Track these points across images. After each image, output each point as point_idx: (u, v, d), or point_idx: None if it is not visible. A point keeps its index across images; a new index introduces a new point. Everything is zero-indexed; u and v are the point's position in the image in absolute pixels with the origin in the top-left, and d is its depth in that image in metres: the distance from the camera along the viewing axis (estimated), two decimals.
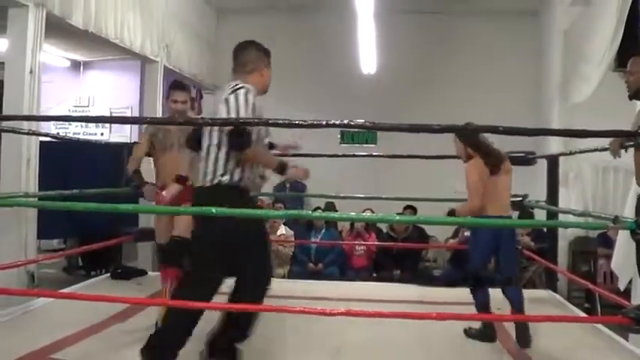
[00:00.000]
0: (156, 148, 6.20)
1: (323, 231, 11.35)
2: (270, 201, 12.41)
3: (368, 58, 12.54)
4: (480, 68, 13.47)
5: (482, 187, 5.97)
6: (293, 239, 10.88)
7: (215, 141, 4.70)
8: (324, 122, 4.56)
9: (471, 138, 5.68)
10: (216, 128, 4.73)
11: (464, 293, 8.24)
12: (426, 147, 7.96)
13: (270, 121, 4.49)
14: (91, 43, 11.24)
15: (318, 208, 11.84)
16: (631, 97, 5.13)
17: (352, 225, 11.42)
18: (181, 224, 5.92)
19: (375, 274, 10.94)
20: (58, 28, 8.57)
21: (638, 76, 4.98)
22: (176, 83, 6.73)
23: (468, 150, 6.30)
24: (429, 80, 13.57)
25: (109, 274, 8.75)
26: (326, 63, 13.79)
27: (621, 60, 9.56)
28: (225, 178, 4.67)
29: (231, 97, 4.77)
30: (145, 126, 6.97)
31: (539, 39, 12.90)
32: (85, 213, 8.22)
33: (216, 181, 4.65)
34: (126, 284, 8.16)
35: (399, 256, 10.89)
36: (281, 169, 4.90)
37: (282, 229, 10.81)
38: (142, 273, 8.73)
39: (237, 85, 4.84)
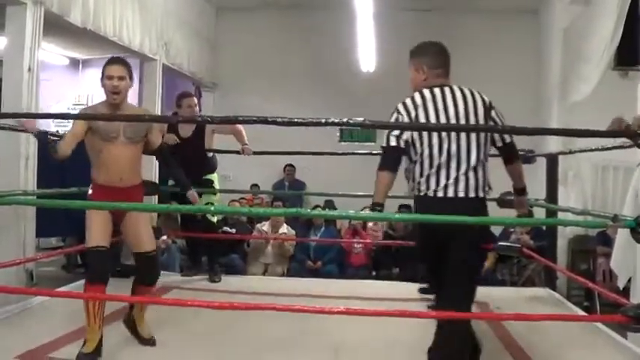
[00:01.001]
0: (94, 136, 5.60)
1: (322, 229, 11.36)
2: (269, 199, 12.42)
3: (367, 56, 12.54)
4: (480, 66, 13.46)
5: None
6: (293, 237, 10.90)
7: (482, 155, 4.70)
8: (323, 120, 4.55)
9: None
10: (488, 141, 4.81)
11: None
12: None
13: (269, 120, 4.47)
14: (90, 41, 11.23)
15: (318, 206, 11.85)
16: None
17: (351, 223, 11.43)
18: (146, 234, 5.65)
19: (374, 272, 10.94)
20: (56, 26, 8.57)
21: None
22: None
23: None
24: None
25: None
26: (325, 61, 13.80)
27: (620, 59, 9.58)
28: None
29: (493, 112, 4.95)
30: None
31: (539, 37, 12.91)
32: (83, 211, 8.20)
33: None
34: (124, 282, 8.09)
35: (398, 254, 10.89)
36: None
37: (284, 228, 10.82)
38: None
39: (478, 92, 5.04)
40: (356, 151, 10.33)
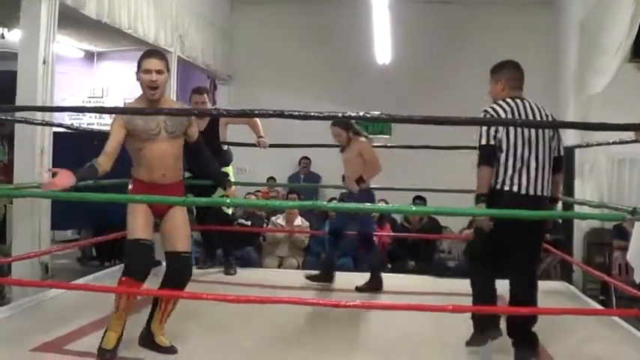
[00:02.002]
0: (134, 137, 5.47)
1: None
2: (284, 192, 12.41)
3: (383, 49, 12.50)
4: (495, 59, 13.28)
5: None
6: (308, 230, 10.88)
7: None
8: (339, 114, 4.54)
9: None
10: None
11: None
12: (441, 138, 7.93)
13: (285, 113, 4.46)
14: (105, 34, 11.28)
15: (333, 198, 11.83)
16: None
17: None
18: (184, 234, 5.45)
19: (389, 265, 10.91)
20: (71, 19, 8.56)
21: None
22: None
23: (348, 135, 7.56)
24: (444, 70, 13.52)
25: (122, 265, 8.74)
26: (341, 53, 13.76)
27: (637, 51, 9.53)
28: None
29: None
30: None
31: (555, 30, 12.83)
32: (98, 203, 8.21)
33: None
34: None
35: (413, 247, 10.87)
36: None
37: (299, 220, 10.80)
38: (156, 264, 8.71)
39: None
40: (372, 144, 10.33)
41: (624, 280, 8.19)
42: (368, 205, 5.46)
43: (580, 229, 10.04)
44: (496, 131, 5.28)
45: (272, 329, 5.76)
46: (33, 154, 7.17)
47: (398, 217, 11.64)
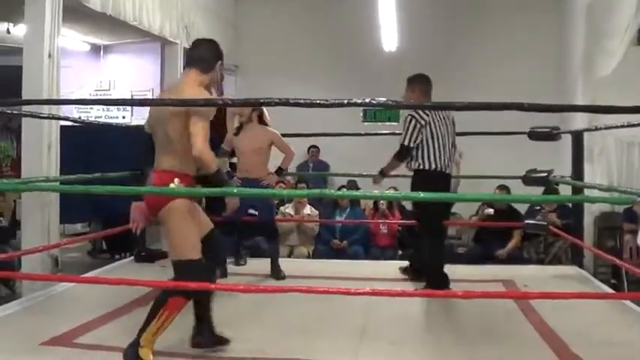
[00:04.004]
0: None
1: (348, 210, 11.31)
2: (293, 181, 12.39)
3: (389, 36, 12.46)
4: (504, 43, 13.37)
5: None
6: (317, 219, 10.87)
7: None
8: (345, 101, 4.52)
9: None
10: None
11: (488, 270, 8.25)
12: None
13: (291, 101, 4.45)
14: (110, 27, 11.25)
15: (343, 187, 11.82)
16: None
17: (375, 203, 11.38)
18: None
19: (400, 252, 10.89)
20: (76, 12, 8.56)
21: None
22: None
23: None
24: (451, 56, 13.48)
25: (132, 257, 8.76)
26: (347, 41, 13.73)
27: None
28: None
29: None
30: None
31: (563, 13, 12.79)
32: (108, 196, 8.22)
33: None
34: (150, 267, 8.16)
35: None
36: None
37: (308, 209, 10.79)
38: (166, 255, 8.70)
39: None
40: (379, 132, 10.30)
41: (635, 264, 8.16)
42: (376, 192, 5.42)
43: (590, 213, 10.00)
44: (418, 135, 6.90)
45: (283, 318, 5.75)
46: (40, 148, 7.17)
47: (407, 204, 11.62)
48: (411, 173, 7.08)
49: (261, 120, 7.82)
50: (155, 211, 4.75)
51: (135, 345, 4.62)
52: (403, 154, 7.08)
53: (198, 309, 5.01)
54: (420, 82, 7.21)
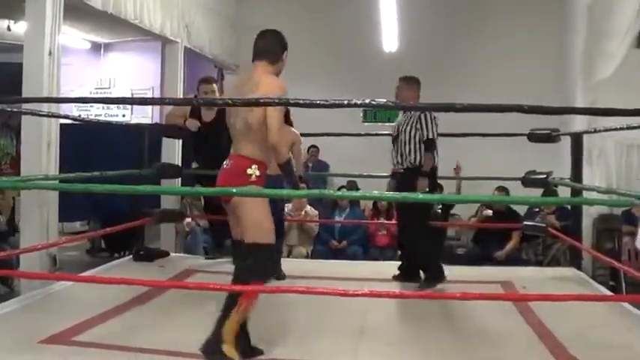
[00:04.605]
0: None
1: (347, 210, 11.32)
2: None
3: (389, 37, 12.48)
4: (503, 44, 13.38)
5: None
6: (317, 219, 10.87)
7: None
8: (345, 102, 4.53)
9: None
10: None
11: (487, 271, 8.26)
12: (448, 125, 7.90)
13: (291, 101, 4.46)
14: (111, 25, 11.24)
15: (343, 187, 11.82)
16: None
17: (375, 204, 11.40)
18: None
19: (399, 253, 10.90)
20: (77, 10, 8.56)
21: None
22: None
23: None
24: (451, 57, 13.49)
25: (131, 256, 8.75)
26: (348, 41, 13.73)
27: None
28: None
29: None
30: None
31: (563, 14, 12.77)
32: (107, 195, 8.23)
33: None
34: (148, 266, 8.15)
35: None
36: None
37: (307, 209, 10.80)
38: (165, 254, 8.72)
39: None
40: (379, 132, 10.31)
41: (634, 266, 8.18)
42: (375, 193, 5.43)
43: (589, 215, 10.00)
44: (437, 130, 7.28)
45: (281, 319, 5.75)
46: (40, 146, 7.16)
47: None
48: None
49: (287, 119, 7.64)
50: (229, 195, 4.85)
51: (215, 341, 4.67)
52: (434, 147, 7.30)
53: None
54: (418, 84, 7.42)
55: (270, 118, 4.79)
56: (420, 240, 7.41)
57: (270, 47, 5.25)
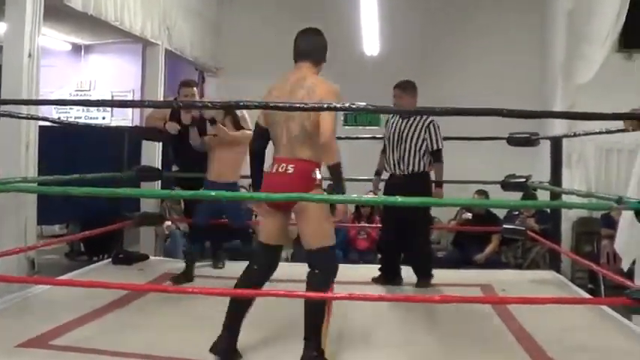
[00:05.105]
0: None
1: None
2: None
3: (371, 40, 12.49)
4: (484, 48, 13.41)
5: None
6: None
7: None
8: (325, 105, 4.54)
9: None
10: None
11: (467, 275, 8.28)
12: None
13: (270, 104, 4.46)
14: (92, 27, 11.22)
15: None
16: None
17: (357, 208, 11.40)
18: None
19: (379, 256, 10.90)
20: (57, 11, 8.51)
21: None
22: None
23: None
24: (432, 61, 13.50)
25: (110, 260, 8.72)
26: (330, 45, 13.66)
27: (625, 41, 9.55)
28: None
29: None
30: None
31: (544, 19, 12.82)
32: (86, 198, 8.19)
33: None
34: (127, 269, 8.13)
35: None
36: None
37: None
38: (144, 258, 8.70)
39: None
40: (360, 135, 10.31)
41: (613, 269, 8.22)
42: (354, 196, 5.42)
43: (568, 218, 10.07)
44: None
45: (261, 322, 5.73)
46: (18, 149, 7.12)
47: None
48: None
49: (237, 125, 7.72)
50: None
51: (316, 351, 4.70)
52: (442, 157, 7.55)
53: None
54: (415, 88, 7.54)
55: (323, 120, 4.81)
56: (422, 243, 7.76)
57: (315, 48, 5.40)
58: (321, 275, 4.85)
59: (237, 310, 4.94)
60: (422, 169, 7.46)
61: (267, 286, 5.08)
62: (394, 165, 7.53)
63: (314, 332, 4.69)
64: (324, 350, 4.70)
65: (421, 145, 7.36)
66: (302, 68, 5.18)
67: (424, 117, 7.33)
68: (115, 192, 5.11)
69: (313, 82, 5.02)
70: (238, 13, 14.20)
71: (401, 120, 7.44)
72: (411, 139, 7.36)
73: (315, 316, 4.71)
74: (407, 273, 7.69)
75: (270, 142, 5.15)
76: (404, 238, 7.65)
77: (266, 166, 5.11)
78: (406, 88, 7.49)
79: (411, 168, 7.41)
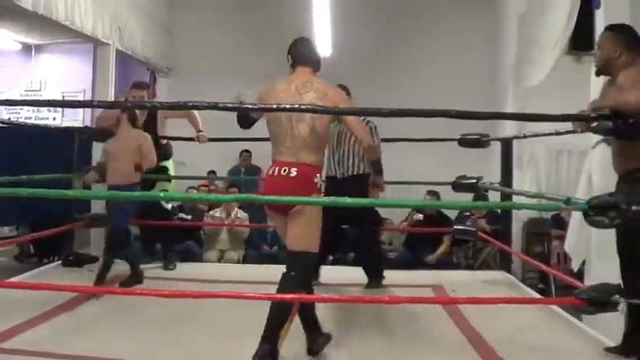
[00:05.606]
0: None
1: None
2: (224, 185, 12.35)
3: (323, 41, 12.49)
4: (437, 51, 13.47)
5: None
6: (247, 222, 10.83)
7: None
8: (274, 106, 4.55)
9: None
10: None
11: (418, 275, 8.31)
12: (386, 130, 7.93)
13: (220, 105, 4.44)
14: (42, 26, 11.12)
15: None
16: (597, 73, 5.13)
17: None
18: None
19: (330, 257, 10.90)
20: (7, 10, 8.43)
21: (604, 49, 4.98)
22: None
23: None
24: (385, 63, 13.53)
25: (60, 262, 8.63)
26: (280, 43, 13.61)
27: (575, 44, 9.64)
28: None
29: None
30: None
31: (495, 23, 12.90)
32: (35, 199, 8.10)
33: None
34: (78, 271, 8.05)
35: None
36: None
37: (237, 212, 10.74)
38: (94, 260, 8.61)
39: None
40: None
41: (563, 269, 8.29)
42: (304, 198, 5.42)
43: (519, 219, 10.14)
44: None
45: (213, 323, 5.72)
46: None
47: None
48: None
49: (134, 123, 7.58)
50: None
51: (272, 351, 4.66)
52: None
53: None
54: (349, 94, 7.21)
55: (351, 122, 5.21)
56: (372, 244, 7.90)
57: (315, 55, 5.49)
58: (295, 278, 4.85)
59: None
60: (360, 171, 7.48)
61: (218, 287, 5.05)
62: (334, 167, 7.56)
63: (272, 332, 4.67)
64: (278, 350, 4.67)
65: (359, 148, 7.31)
66: (304, 72, 5.26)
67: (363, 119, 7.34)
68: (63, 193, 5.07)
69: (322, 86, 5.13)
70: (189, 13, 14.12)
71: (340, 123, 7.42)
72: (349, 141, 7.39)
73: (279, 317, 4.70)
74: (357, 274, 7.69)
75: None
76: (338, 239, 7.73)
77: (266, 169, 5.11)
78: (347, 90, 7.19)
79: (350, 170, 7.45)
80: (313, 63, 5.37)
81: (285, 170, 4.88)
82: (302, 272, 4.90)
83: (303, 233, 4.88)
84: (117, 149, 7.43)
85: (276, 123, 4.98)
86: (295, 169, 4.86)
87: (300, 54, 5.39)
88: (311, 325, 5.07)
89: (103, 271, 7.04)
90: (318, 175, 4.95)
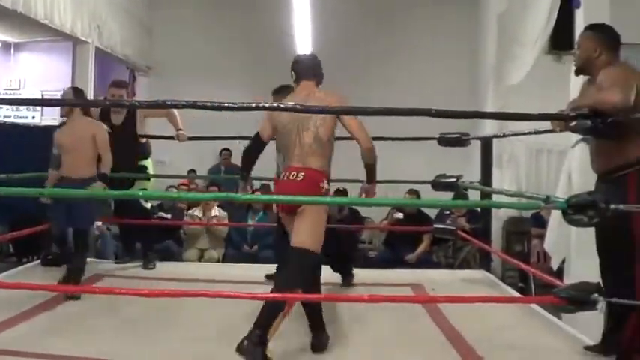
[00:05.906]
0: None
1: (260, 214, 11.29)
2: (204, 184, 12.33)
3: (304, 39, 12.48)
4: (417, 51, 13.52)
5: None
6: (226, 221, 10.82)
7: None
8: (253, 104, 4.54)
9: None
10: None
11: (398, 274, 8.31)
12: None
13: (198, 104, 4.43)
14: (21, 24, 11.05)
15: (257, 190, 11.78)
16: (577, 72, 5.15)
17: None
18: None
19: None
20: None
21: (584, 49, 4.99)
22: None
23: None
24: (367, 59, 13.56)
25: (39, 261, 8.58)
26: (262, 44, 13.69)
27: (555, 43, 9.68)
28: None
29: None
30: None
31: (476, 22, 12.93)
32: (14, 198, 8.05)
33: None
34: (57, 271, 7.99)
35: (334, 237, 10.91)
36: None
37: (216, 211, 10.74)
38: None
39: None
40: None
41: (542, 268, 8.31)
42: (282, 197, 5.42)
43: (499, 217, 10.18)
44: None
45: (191, 323, 5.71)
46: None
47: None
48: None
49: (86, 111, 7.28)
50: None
51: (261, 343, 4.63)
52: None
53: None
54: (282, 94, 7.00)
55: (353, 126, 5.21)
56: (341, 242, 7.94)
57: (318, 69, 5.59)
58: (292, 274, 4.94)
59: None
60: None
61: (197, 286, 5.04)
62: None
63: (264, 321, 4.67)
64: (268, 340, 4.65)
65: None
66: (307, 86, 5.41)
67: None
68: (40, 192, 5.04)
69: (322, 94, 5.33)
70: (169, 12, 14.10)
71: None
72: None
73: (272, 308, 4.74)
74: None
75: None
76: None
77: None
78: (278, 92, 7.46)
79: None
80: (316, 76, 5.51)
81: (293, 175, 5.09)
82: (299, 269, 4.95)
83: (304, 232, 4.97)
84: (70, 141, 7.07)
85: (285, 135, 5.23)
86: (303, 173, 5.06)
87: (303, 69, 5.53)
88: (315, 323, 5.30)
89: (77, 275, 6.80)
90: (324, 180, 5.11)
